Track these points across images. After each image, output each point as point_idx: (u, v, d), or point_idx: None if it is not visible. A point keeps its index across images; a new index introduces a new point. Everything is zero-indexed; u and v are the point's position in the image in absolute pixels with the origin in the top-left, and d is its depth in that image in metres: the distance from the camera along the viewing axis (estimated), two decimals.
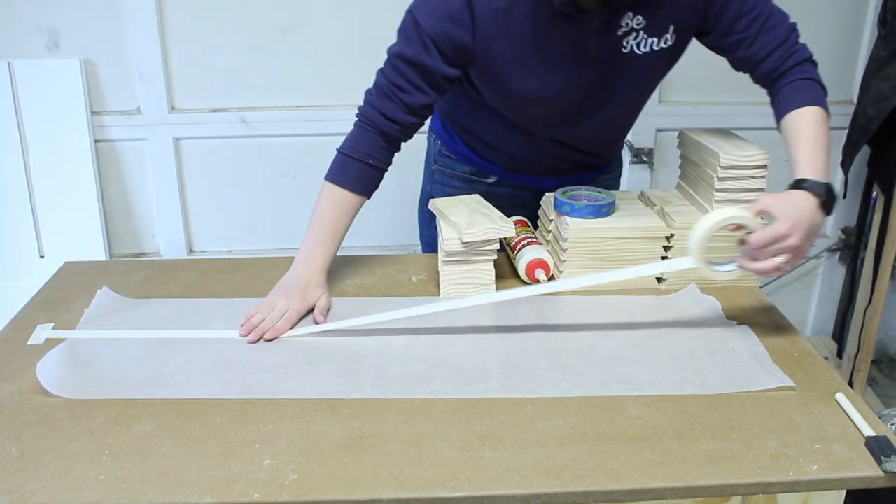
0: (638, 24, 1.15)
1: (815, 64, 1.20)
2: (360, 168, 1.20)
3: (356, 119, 1.22)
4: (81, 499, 0.78)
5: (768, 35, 1.18)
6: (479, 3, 1.10)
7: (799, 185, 1.06)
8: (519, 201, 1.42)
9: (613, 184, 1.51)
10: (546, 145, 1.33)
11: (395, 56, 1.17)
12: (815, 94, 1.17)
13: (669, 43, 1.18)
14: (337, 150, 1.21)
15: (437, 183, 1.47)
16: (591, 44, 1.15)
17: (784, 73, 1.19)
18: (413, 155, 2.01)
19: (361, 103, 1.21)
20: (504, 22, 1.12)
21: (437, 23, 1.11)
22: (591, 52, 1.16)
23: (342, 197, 1.20)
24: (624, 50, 1.17)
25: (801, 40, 1.20)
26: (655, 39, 1.17)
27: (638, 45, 1.17)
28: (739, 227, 1.05)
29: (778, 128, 1.19)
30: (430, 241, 1.52)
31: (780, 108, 1.18)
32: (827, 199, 1.05)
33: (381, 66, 1.20)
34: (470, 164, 1.43)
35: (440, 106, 1.43)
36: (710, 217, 1.04)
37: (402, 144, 1.24)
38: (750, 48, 1.19)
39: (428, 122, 1.49)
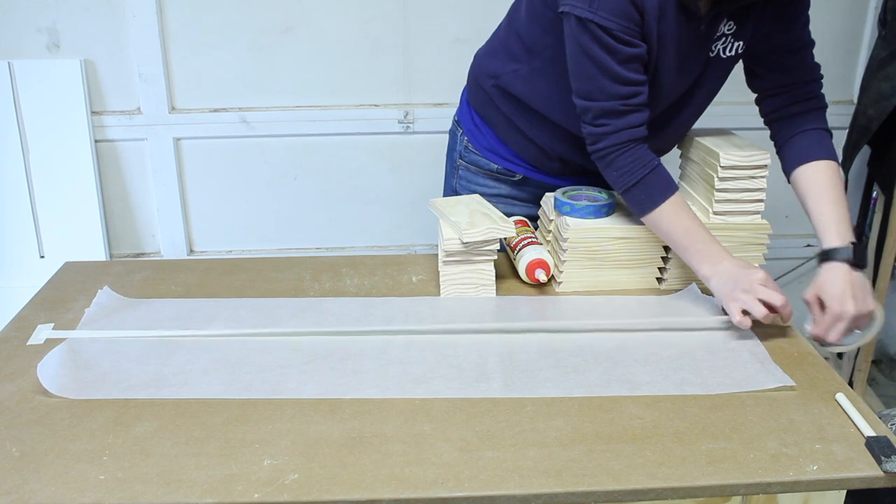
0: (729, 30, 1.14)
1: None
2: (655, 175, 1.14)
3: (607, 155, 1.15)
4: (81, 499, 0.78)
5: (806, 70, 1.19)
6: None
7: (826, 257, 1.10)
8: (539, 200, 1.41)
9: None
10: None
11: (605, 74, 1.10)
12: (830, 146, 1.19)
13: (743, 48, 1.18)
14: (624, 189, 1.16)
15: (462, 179, 1.45)
16: (694, 48, 1.14)
17: (799, 115, 1.20)
18: (412, 155, 2.03)
19: (597, 144, 1.15)
20: (657, 11, 1.08)
21: (616, 17, 1.06)
22: (693, 58, 1.15)
23: (674, 204, 1.14)
24: (711, 54, 1.16)
25: None
26: (741, 43, 1.17)
27: (724, 49, 1.16)
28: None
29: (788, 175, 1.20)
30: None
31: (796, 158, 1.19)
32: (855, 258, 1.09)
33: (585, 119, 1.15)
34: (496, 160, 1.39)
35: (476, 94, 1.39)
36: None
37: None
38: (785, 73, 1.19)
39: (454, 115, 1.49)
